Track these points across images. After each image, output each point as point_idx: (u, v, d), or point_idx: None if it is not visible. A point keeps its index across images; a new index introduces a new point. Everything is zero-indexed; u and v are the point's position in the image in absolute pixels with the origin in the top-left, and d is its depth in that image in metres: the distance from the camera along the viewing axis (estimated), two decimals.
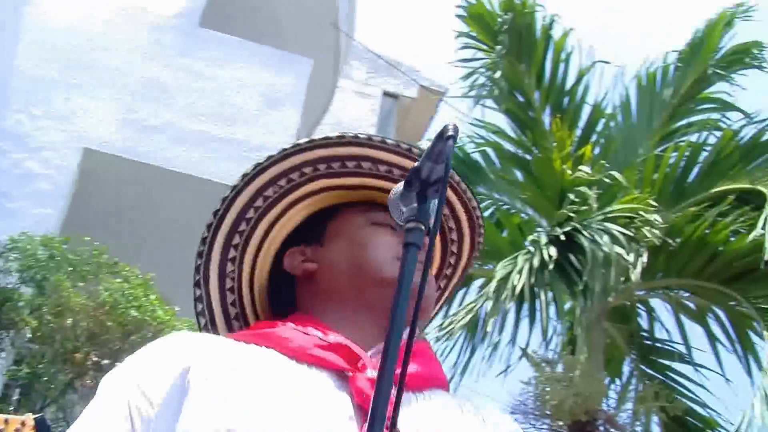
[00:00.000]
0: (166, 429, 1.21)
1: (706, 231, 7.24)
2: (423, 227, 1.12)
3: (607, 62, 8.43)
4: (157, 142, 8.77)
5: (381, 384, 1.01)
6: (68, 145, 8.52)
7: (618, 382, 7.91)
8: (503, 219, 8.19)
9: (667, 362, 7.79)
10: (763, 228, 6.79)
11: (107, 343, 6.18)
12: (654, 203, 7.20)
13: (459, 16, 8.54)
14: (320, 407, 1.23)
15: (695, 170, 7.82)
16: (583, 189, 7.31)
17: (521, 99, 8.37)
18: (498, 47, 8.19)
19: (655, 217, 7.02)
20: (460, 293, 7.58)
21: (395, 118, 14.68)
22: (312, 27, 11.03)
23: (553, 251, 6.80)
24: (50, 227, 7.72)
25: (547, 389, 6.93)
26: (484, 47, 8.47)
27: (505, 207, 8.21)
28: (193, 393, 1.23)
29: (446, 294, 1.67)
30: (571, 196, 7.31)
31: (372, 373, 1.27)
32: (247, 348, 1.32)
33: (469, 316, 7.07)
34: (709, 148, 7.89)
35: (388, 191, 1.24)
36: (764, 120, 7.80)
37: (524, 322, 7.42)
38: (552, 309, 7.35)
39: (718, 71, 8.16)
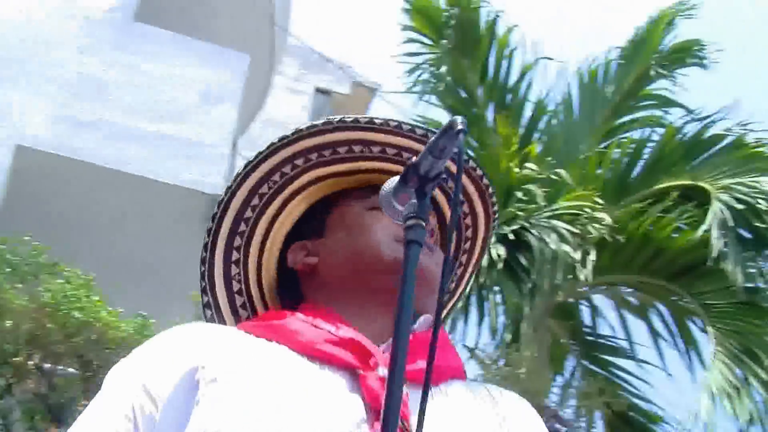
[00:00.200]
0: (171, 429, 1.16)
1: (650, 227, 7.31)
2: (423, 223, 1.08)
3: (550, 59, 8.48)
4: (92, 139, 8.53)
5: (392, 387, 0.97)
6: (0, 143, 8.25)
7: (561, 378, 7.95)
8: None
9: (610, 358, 7.84)
10: (709, 224, 6.87)
11: (49, 346, 5.99)
12: (599, 200, 7.24)
13: (404, 10, 8.49)
14: (330, 410, 1.17)
15: (638, 167, 7.91)
16: (530, 187, 7.32)
17: (465, 95, 8.36)
18: (443, 42, 8.16)
19: (602, 215, 7.06)
20: None
21: (328, 114, 14.54)
22: (248, 22, 10.88)
23: (502, 250, 6.80)
24: None
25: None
26: (429, 42, 8.44)
27: None
28: (201, 394, 1.17)
29: (470, 269, 1.61)
30: (518, 194, 7.31)
31: (383, 371, 1.21)
32: (256, 343, 1.26)
33: None
34: (652, 145, 7.98)
35: (385, 171, 1.25)
36: (706, 117, 7.91)
37: (472, 320, 7.43)
38: (500, 308, 7.36)
39: (660, 69, 8.23)
